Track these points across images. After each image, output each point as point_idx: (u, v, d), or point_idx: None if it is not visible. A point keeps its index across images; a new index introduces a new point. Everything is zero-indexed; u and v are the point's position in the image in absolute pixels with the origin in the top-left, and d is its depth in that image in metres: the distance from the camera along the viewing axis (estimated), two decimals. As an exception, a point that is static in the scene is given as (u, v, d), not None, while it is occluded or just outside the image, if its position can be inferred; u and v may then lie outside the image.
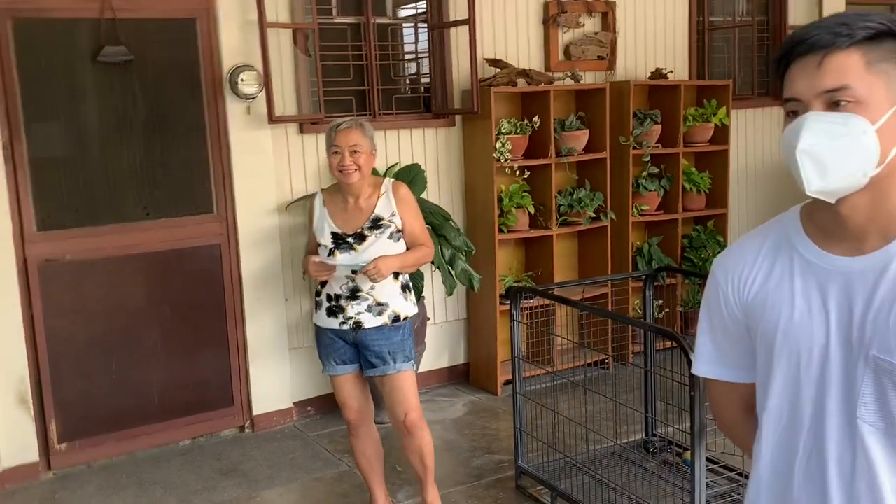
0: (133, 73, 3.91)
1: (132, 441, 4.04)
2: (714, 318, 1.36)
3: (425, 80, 4.90)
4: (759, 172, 5.97)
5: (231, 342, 4.23)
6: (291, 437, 4.22)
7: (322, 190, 3.17)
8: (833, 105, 1.11)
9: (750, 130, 5.89)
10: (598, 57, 5.13)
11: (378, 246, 2.98)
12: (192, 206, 4.12)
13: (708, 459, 3.17)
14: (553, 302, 4.34)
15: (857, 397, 1.17)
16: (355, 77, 4.55)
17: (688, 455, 3.40)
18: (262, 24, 3.91)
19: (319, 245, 3.07)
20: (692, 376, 2.51)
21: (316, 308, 3.12)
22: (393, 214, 3.01)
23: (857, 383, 1.17)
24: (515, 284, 4.62)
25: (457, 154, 4.77)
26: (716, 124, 5.30)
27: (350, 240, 3.00)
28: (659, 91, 5.24)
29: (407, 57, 4.95)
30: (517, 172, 4.64)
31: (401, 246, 3.04)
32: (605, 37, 5.13)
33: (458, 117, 4.74)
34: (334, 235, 3.03)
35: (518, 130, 4.61)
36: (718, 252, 5.30)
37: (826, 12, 5.86)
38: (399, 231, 3.02)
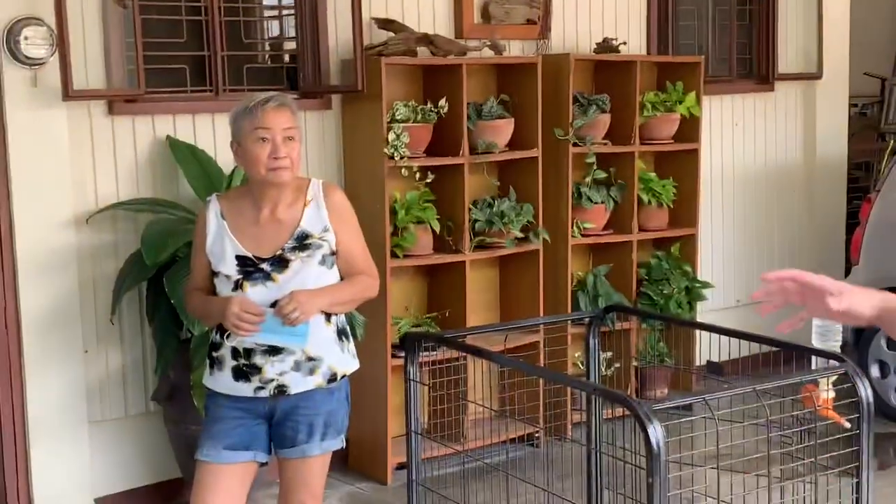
0: None
1: None
2: None
3: (290, 44, 4.87)
4: (739, 180, 6.15)
5: (3, 414, 4.10)
6: (91, 548, 4.09)
7: (218, 196, 3.13)
8: None
9: (727, 123, 6.07)
10: (528, 21, 5.20)
11: (306, 275, 2.96)
12: (-52, 216, 3.97)
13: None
14: (465, 354, 4.38)
15: None
16: (191, 38, 4.49)
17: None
18: (56, -40, 3.81)
19: (217, 275, 3.01)
20: (650, 455, 2.54)
21: (211, 366, 3.07)
22: (325, 230, 3.01)
23: None
24: (414, 330, 4.61)
25: (333, 148, 4.76)
26: (682, 115, 5.44)
27: (266, 266, 2.96)
28: (608, 69, 5.33)
29: (266, 13, 4.91)
30: (417, 175, 4.65)
31: (335, 275, 3.05)
32: (537, -6, 5.22)
33: (335, 97, 4.73)
34: (241, 261, 2.98)
35: (419, 117, 4.62)
36: (685, 286, 5.44)
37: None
38: (333, 253, 3.02)
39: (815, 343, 2.81)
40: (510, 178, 5.03)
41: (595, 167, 5.23)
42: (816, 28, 6.31)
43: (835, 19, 6.42)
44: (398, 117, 4.56)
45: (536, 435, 4.95)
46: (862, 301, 1.84)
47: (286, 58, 4.95)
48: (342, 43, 4.67)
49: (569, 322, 4.95)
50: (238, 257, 2.98)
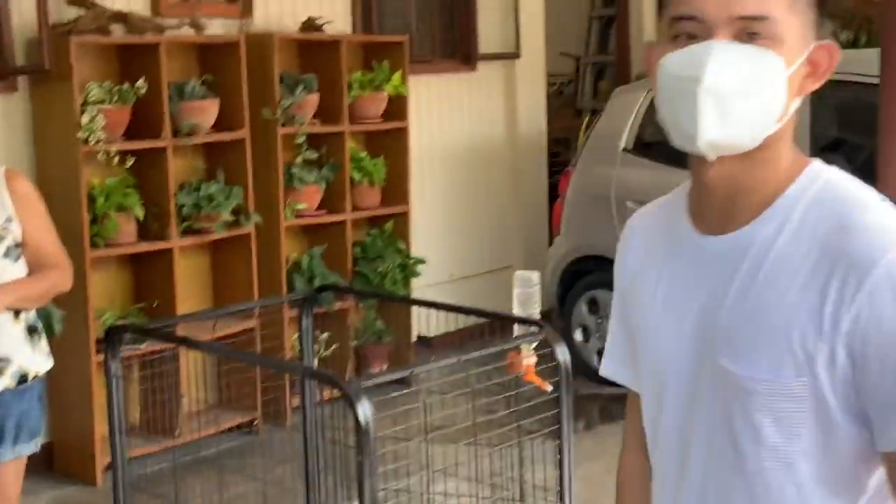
0: None
1: None
2: (617, 300, 1.48)
3: (-32, 22, 4.52)
4: (448, 158, 6.29)
5: None
6: None
7: None
8: (747, 37, 1.23)
9: (434, 103, 6.20)
10: (229, -1, 5.09)
11: None
12: None
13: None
14: (176, 346, 4.24)
15: (713, 420, 1.30)
16: None
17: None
18: None
19: None
20: (359, 432, 2.53)
21: None
22: (9, 220, 2.83)
23: (703, 401, 1.31)
24: (120, 323, 4.41)
25: (22, 133, 4.51)
26: (390, 94, 5.50)
27: None
28: (313, 49, 5.33)
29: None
30: (116, 160, 4.48)
31: (22, 268, 2.85)
32: (238, -29, 5.12)
33: (21, 79, 4.48)
34: None
35: (115, 99, 4.45)
36: (399, 262, 5.52)
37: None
38: (18, 245, 2.84)
39: (516, 310, 2.90)
40: (218, 160, 4.92)
41: (306, 147, 5.21)
42: (513, 8, 6.55)
43: (530, 0, 6.70)
44: (92, 99, 4.36)
45: (255, 423, 4.88)
46: None
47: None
48: (28, 21, 4.40)
49: (285, 305, 4.92)
50: None
